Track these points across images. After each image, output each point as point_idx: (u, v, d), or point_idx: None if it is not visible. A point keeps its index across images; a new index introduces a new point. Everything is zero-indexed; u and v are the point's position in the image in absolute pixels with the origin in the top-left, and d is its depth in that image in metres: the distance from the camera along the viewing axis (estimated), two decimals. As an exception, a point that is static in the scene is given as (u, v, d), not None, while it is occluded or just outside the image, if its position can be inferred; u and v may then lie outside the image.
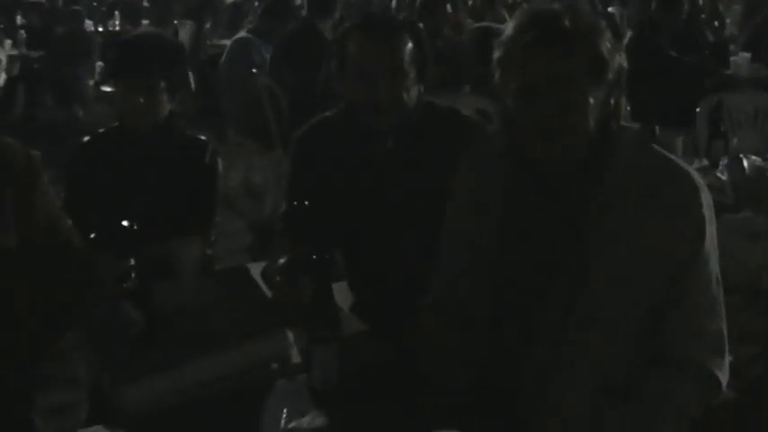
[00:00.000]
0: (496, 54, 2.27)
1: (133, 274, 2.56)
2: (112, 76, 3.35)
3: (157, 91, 3.27)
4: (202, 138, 3.51)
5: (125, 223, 2.61)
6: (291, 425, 2.19)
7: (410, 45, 2.92)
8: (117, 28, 11.94)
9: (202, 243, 3.06)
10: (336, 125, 3.07)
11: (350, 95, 2.99)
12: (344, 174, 2.99)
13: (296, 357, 2.50)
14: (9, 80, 8.43)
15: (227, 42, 8.73)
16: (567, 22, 2.18)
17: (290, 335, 2.58)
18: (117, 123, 3.45)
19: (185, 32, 11.02)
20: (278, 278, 2.72)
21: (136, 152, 3.35)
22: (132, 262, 2.56)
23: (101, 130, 3.50)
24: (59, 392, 3.63)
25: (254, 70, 6.42)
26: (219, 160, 3.50)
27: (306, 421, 2.22)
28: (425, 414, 2.22)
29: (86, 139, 3.47)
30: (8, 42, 9.89)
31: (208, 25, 11.46)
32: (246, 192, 6.76)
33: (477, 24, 7.01)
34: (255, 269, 2.99)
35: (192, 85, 10.03)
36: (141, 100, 3.25)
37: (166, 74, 3.30)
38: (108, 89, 9.28)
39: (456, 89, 5.99)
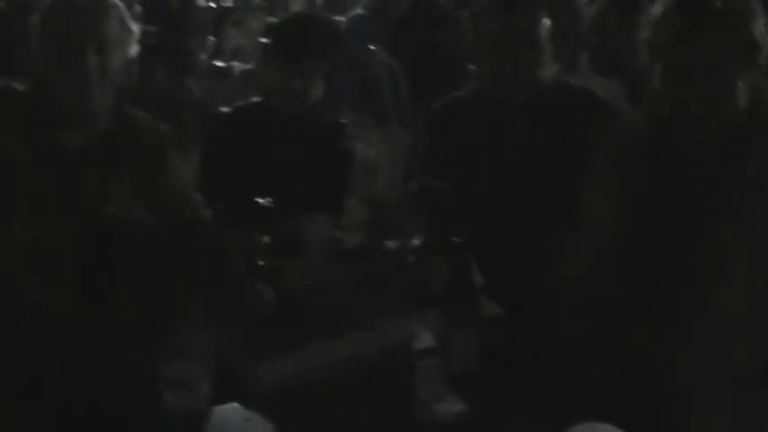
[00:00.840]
0: (645, 35, 2.21)
1: (267, 253, 2.54)
2: (271, 55, 3.29)
3: (315, 73, 3.23)
4: (342, 120, 3.47)
5: (261, 201, 2.58)
6: (430, 408, 2.16)
7: (546, 19, 2.85)
8: (230, 3, 11.99)
9: (332, 222, 3.02)
10: (470, 102, 3.02)
11: (483, 70, 2.94)
12: (479, 151, 2.94)
13: (432, 340, 2.45)
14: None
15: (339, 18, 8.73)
16: (718, 3, 2.10)
17: (427, 316, 2.54)
18: (259, 99, 3.42)
19: (297, 7, 11.01)
20: (411, 258, 2.68)
21: (275, 130, 3.33)
22: (267, 240, 2.54)
23: (238, 104, 3.48)
24: (179, 365, 3.67)
25: (371, 47, 6.38)
26: (360, 144, 3.47)
27: (444, 406, 2.18)
28: (565, 401, 2.16)
29: (223, 111, 3.46)
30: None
31: (320, 2, 11.44)
32: (362, 165, 6.71)
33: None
34: (389, 246, 2.95)
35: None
36: (299, 83, 3.21)
37: (325, 57, 3.26)
38: (221, 64, 9.39)
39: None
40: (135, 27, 2.62)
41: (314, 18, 3.63)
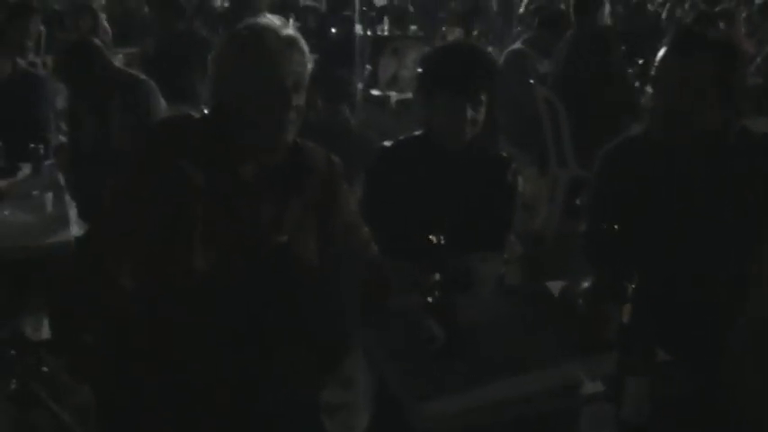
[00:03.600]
0: None
1: (437, 290, 2.54)
2: (439, 86, 3.26)
3: (482, 105, 3.22)
4: (505, 155, 3.46)
5: (433, 238, 2.58)
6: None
7: (715, 64, 2.78)
8: (386, 33, 12.12)
9: (499, 260, 3.00)
10: (643, 143, 2.97)
11: (650, 109, 2.90)
12: (649, 195, 2.89)
13: (600, 385, 2.40)
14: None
15: (494, 49, 8.73)
16: None
17: (592, 360, 2.50)
18: (421, 132, 3.40)
19: (453, 37, 11.05)
20: (580, 301, 2.64)
21: (442, 164, 3.31)
22: (438, 276, 2.54)
23: (402, 138, 3.48)
24: (337, 392, 3.70)
25: (531, 81, 6.37)
26: (520, 179, 3.45)
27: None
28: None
29: (387, 145, 3.46)
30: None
31: (475, 33, 11.45)
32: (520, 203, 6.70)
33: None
34: (553, 288, 2.92)
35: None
36: (468, 114, 3.20)
37: (488, 87, 3.25)
38: (376, 93, 9.48)
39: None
40: (311, 62, 2.65)
41: (475, 48, 3.60)
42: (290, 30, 2.57)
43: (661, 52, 2.87)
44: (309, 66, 2.60)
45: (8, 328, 4.69)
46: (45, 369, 4.45)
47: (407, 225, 3.03)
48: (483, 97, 3.22)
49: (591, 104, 5.89)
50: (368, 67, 10.27)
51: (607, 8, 7.37)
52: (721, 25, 8.15)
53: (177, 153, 2.51)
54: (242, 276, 2.52)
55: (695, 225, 2.85)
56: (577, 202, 5.05)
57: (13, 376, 4.35)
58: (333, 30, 10.55)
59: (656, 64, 2.88)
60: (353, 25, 10.90)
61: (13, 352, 4.45)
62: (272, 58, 2.49)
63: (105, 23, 9.43)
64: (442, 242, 2.58)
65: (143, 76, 5.42)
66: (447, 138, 3.30)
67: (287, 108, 2.50)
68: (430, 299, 2.55)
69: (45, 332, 4.45)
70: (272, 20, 2.59)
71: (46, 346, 4.45)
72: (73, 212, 4.35)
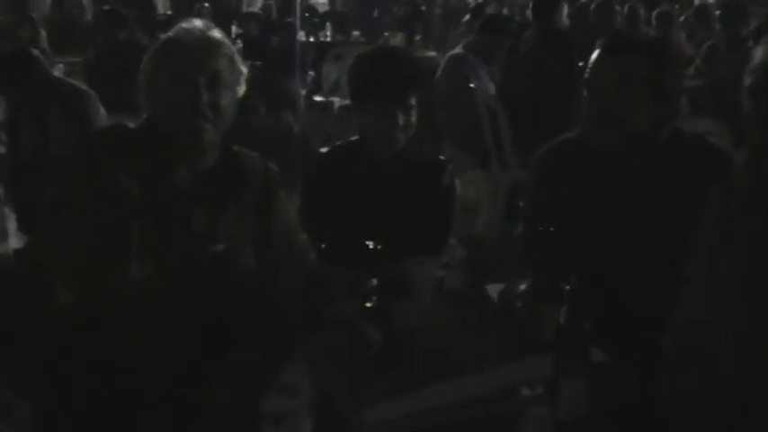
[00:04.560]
0: (748, 80, 2.17)
1: (374, 295, 2.54)
2: (368, 94, 3.26)
3: (412, 109, 3.23)
4: (441, 158, 3.47)
5: (370, 243, 2.59)
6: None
7: (649, 64, 2.82)
8: (328, 39, 12.14)
9: (437, 263, 3.01)
10: (579, 145, 2.99)
11: (583, 112, 2.93)
12: (585, 197, 2.91)
13: (539, 387, 2.42)
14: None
15: (434, 54, 8.75)
16: None
17: (532, 362, 2.52)
18: (356, 139, 3.41)
19: (396, 44, 11.09)
20: (519, 304, 2.66)
21: (377, 170, 3.32)
22: (375, 282, 2.54)
23: (339, 144, 3.49)
24: (279, 400, 3.68)
25: (471, 85, 6.39)
26: (458, 182, 3.46)
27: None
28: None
29: (324, 151, 3.47)
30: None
31: (417, 37, 11.50)
32: (461, 206, 6.72)
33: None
34: (493, 291, 2.93)
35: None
36: (399, 120, 3.19)
37: (417, 91, 3.25)
38: (319, 99, 9.49)
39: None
40: (244, 68, 2.65)
41: (400, 53, 3.57)
42: (211, 31, 2.59)
43: (594, 55, 2.90)
44: (237, 68, 2.61)
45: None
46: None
47: (344, 231, 3.04)
48: (412, 101, 3.22)
49: (554, 108, 5.93)
50: (311, 73, 10.27)
51: (565, 10, 7.44)
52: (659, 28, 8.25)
53: (113, 163, 2.51)
54: (180, 285, 2.53)
55: (631, 226, 2.87)
56: (520, 204, 5.08)
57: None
58: (275, 37, 10.54)
59: (588, 66, 2.91)
60: (296, 32, 10.91)
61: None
62: (184, 56, 2.53)
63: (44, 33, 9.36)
64: (379, 248, 2.59)
65: (83, 86, 5.40)
66: (379, 144, 3.31)
67: (198, 104, 2.50)
68: (367, 304, 2.55)
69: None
70: (194, 24, 2.60)
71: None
72: (12, 224, 4.31)
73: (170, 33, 2.61)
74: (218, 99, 2.54)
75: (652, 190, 2.88)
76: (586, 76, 2.90)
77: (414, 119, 3.25)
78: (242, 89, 2.66)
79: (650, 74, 2.83)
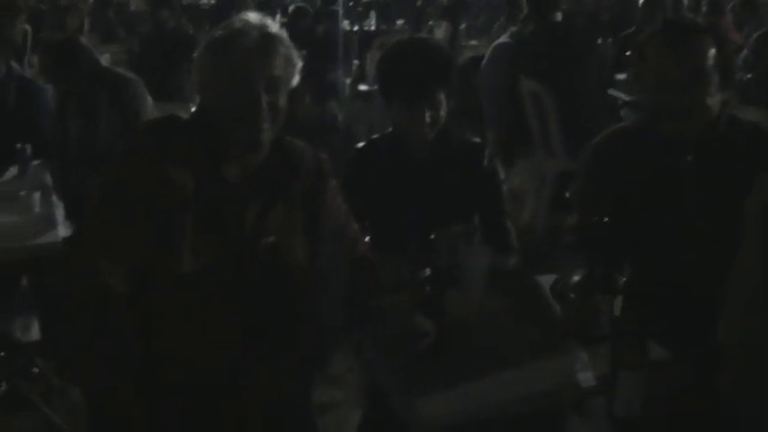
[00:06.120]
0: None
1: (426, 285, 2.52)
2: (393, 91, 3.25)
3: (441, 104, 3.20)
4: (478, 140, 3.44)
5: (420, 234, 2.57)
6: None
7: (712, 50, 2.79)
8: (372, 28, 12.12)
9: (489, 251, 2.97)
10: (635, 135, 2.96)
11: (651, 103, 2.88)
12: (642, 187, 2.88)
13: (592, 380, 2.39)
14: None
15: (477, 43, 8.70)
16: None
17: (585, 356, 2.49)
18: (391, 130, 3.39)
19: (440, 34, 11.05)
20: (571, 295, 2.63)
21: (413, 161, 3.31)
22: (427, 272, 2.52)
23: (374, 137, 3.47)
24: (328, 391, 3.69)
25: (516, 74, 6.34)
26: (498, 163, 3.42)
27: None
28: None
29: (361, 145, 3.44)
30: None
31: (462, 26, 11.45)
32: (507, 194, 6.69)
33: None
34: (544, 282, 2.90)
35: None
36: (427, 117, 3.18)
37: (445, 84, 3.22)
38: (363, 88, 9.48)
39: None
40: (299, 59, 2.63)
41: (427, 46, 3.48)
42: (269, 29, 2.56)
43: (648, 46, 2.85)
44: (293, 63, 2.59)
45: (-3, 331, 4.68)
46: (35, 370, 4.44)
47: (392, 222, 3.03)
48: (440, 96, 3.20)
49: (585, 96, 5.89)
50: (355, 62, 10.26)
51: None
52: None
53: (164, 157, 2.50)
54: (230, 278, 2.51)
55: (690, 216, 2.84)
56: (566, 194, 5.03)
57: (2, 378, 4.34)
58: (319, 26, 10.52)
59: (643, 58, 2.86)
60: (340, 21, 10.89)
61: (2, 353, 4.44)
62: (242, 59, 2.49)
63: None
64: (430, 237, 2.58)
65: (130, 75, 5.39)
66: (409, 139, 3.31)
67: (257, 108, 2.48)
68: (419, 294, 2.53)
69: (35, 333, 4.45)
70: (250, 19, 2.57)
71: (36, 347, 4.44)
72: (60, 213, 4.33)
73: (224, 30, 2.57)
74: (276, 100, 2.53)
75: (711, 178, 2.84)
76: (641, 68, 2.85)
77: (442, 113, 3.22)
78: (296, 80, 2.64)
79: (717, 61, 2.80)
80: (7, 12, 6.79)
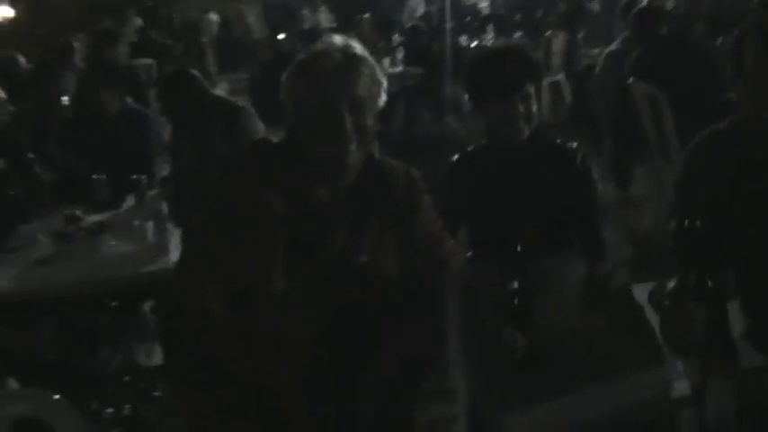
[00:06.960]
0: None
1: (516, 298, 2.50)
2: (485, 93, 3.27)
3: (531, 97, 3.21)
4: (572, 144, 3.40)
5: (510, 245, 2.55)
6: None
7: None
8: (490, 42, 12.06)
9: (581, 261, 2.93)
10: (730, 136, 2.87)
11: (746, 104, 2.79)
12: (739, 190, 2.79)
13: (686, 390, 2.33)
14: (389, 97, 8.72)
15: (598, 50, 8.61)
16: None
17: (680, 366, 2.42)
18: (485, 139, 3.41)
19: (558, 43, 10.96)
20: (667, 302, 2.56)
21: (510, 166, 3.30)
22: (516, 285, 2.50)
23: (470, 149, 3.47)
24: (438, 407, 3.67)
25: (630, 80, 6.26)
26: (593, 166, 3.38)
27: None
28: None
29: (456, 157, 3.45)
30: (386, 60, 10.32)
31: (581, 35, 11.31)
32: (626, 201, 6.60)
33: None
34: (640, 291, 2.84)
35: (569, 95, 10.00)
36: (520, 107, 3.18)
37: (533, 80, 3.24)
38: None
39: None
40: (384, 78, 2.64)
41: (512, 47, 3.55)
42: (352, 50, 2.57)
43: (752, 45, 2.76)
44: (378, 83, 2.60)
45: (122, 355, 4.82)
46: (157, 394, 4.56)
47: (485, 232, 3.00)
48: (530, 90, 3.21)
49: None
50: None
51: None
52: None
53: (257, 179, 2.54)
54: (323, 297, 2.53)
55: None
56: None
57: (127, 402, 4.47)
58: (435, 43, 10.56)
59: (748, 58, 2.77)
60: (448, 37, 10.88)
61: (126, 378, 4.57)
62: (325, 80, 2.50)
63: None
64: (519, 248, 2.55)
65: (240, 103, 5.50)
66: (504, 137, 3.30)
67: (342, 129, 2.49)
68: (510, 307, 2.50)
69: (157, 358, 4.57)
70: (334, 41, 2.59)
71: (158, 371, 4.56)
72: (174, 240, 4.44)
73: (307, 52, 2.60)
74: (361, 121, 2.54)
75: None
76: (745, 69, 2.77)
77: (534, 108, 3.23)
78: (383, 99, 2.64)
79: None
80: (106, 38, 7.02)
